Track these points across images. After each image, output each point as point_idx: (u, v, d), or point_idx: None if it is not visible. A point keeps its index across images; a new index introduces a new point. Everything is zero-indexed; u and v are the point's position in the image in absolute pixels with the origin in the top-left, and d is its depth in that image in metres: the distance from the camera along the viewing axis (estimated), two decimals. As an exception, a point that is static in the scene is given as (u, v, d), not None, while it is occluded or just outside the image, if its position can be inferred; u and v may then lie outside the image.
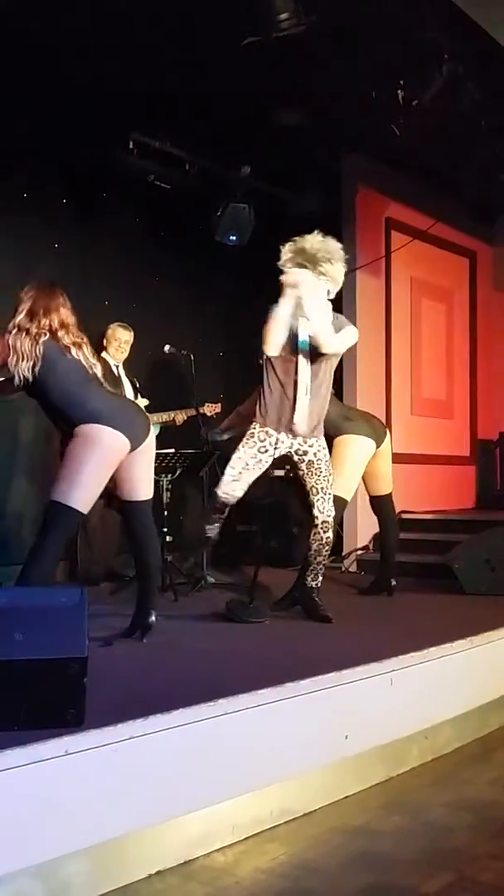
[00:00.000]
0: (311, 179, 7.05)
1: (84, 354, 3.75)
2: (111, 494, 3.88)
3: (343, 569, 6.96)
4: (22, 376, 3.60)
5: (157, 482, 5.48)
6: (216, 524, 4.56)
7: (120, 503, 3.90)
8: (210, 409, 6.14)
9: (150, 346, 6.44)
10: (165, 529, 5.54)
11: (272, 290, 4.30)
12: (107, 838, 2.43)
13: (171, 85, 5.64)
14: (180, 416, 6.03)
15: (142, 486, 3.85)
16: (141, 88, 5.62)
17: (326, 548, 4.52)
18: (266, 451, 4.34)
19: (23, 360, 3.59)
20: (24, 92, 5.47)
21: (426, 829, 2.99)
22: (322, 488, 4.42)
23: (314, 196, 7.00)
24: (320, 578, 4.57)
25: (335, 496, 4.83)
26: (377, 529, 5.93)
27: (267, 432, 4.34)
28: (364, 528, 6.98)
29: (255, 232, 6.80)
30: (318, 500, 4.43)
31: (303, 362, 4.29)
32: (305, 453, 4.39)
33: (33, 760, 2.24)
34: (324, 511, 4.44)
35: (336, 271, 4.28)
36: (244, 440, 4.40)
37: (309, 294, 4.19)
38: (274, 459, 4.41)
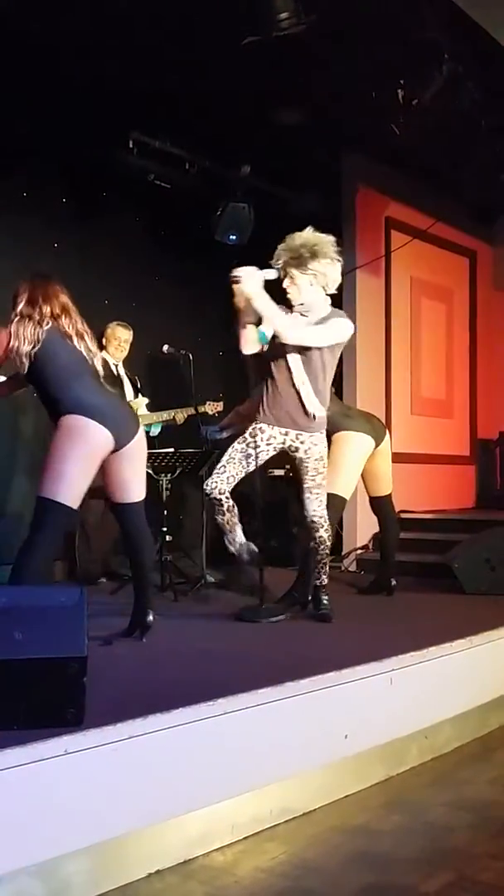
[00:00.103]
0: (310, 179, 7.05)
1: (86, 345, 3.76)
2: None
3: (343, 568, 6.96)
4: (22, 362, 3.62)
5: (156, 481, 5.52)
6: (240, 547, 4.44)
7: (112, 505, 3.90)
8: (212, 408, 6.14)
9: (149, 346, 6.44)
10: (165, 529, 5.54)
11: (272, 290, 4.31)
12: (106, 838, 2.43)
13: (171, 85, 5.64)
14: (181, 416, 6.03)
15: (133, 487, 3.83)
16: (141, 88, 5.62)
17: (321, 546, 4.48)
18: (256, 446, 4.29)
19: (24, 344, 3.61)
20: (24, 92, 5.47)
21: (426, 828, 2.99)
22: (309, 487, 4.39)
23: (314, 195, 6.99)
24: (323, 577, 4.55)
25: (333, 494, 4.83)
26: (377, 529, 5.93)
27: (260, 429, 4.32)
28: (364, 527, 6.98)
29: (255, 231, 6.80)
30: (306, 498, 4.40)
31: (291, 356, 4.27)
32: (297, 450, 4.36)
33: (33, 760, 2.24)
34: (309, 510, 4.41)
35: (321, 266, 4.23)
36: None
37: (254, 290, 4.12)
38: (270, 457, 4.40)
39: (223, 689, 2.84)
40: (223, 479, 4.30)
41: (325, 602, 4.53)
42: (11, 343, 3.62)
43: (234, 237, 6.86)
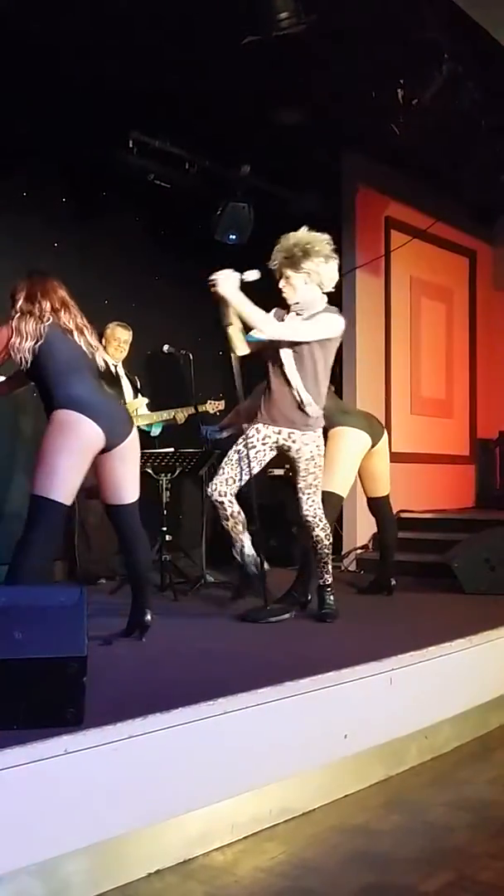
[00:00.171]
0: (310, 179, 7.06)
1: (86, 340, 3.77)
2: None
3: (343, 568, 6.96)
4: (23, 358, 3.62)
5: (156, 481, 5.52)
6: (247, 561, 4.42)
7: (105, 506, 3.89)
8: (213, 406, 6.14)
9: (149, 346, 6.44)
10: (165, 529, 5.54)
11: (271, 290, 4.31)
12: (106, 837, 2.43)
13: (171, 85, 5.64)
14: (181, 415, 6.03)
15: (126, 488, 3.82)
16: (141, 88, 5.62)
17: (320, 545, 4.45)
18: (252, 446, 4.31)
19: (26, 339, 3.62)
20: (24, 92, 5.47)
21: (425, 828, 3.00)
22: (301, 487, 4.38)
23: (314, 195, 7.00)
24: (326, 576, 4.51)
25: (330, 492, 4.84)
26: (377, 529, 5.93)
27: (256, 429, 4.34)
28: (363, 527, 6.99)
29: (255, 231, 6.80)
30: (300, 497, 4.40)
31: (284, 353, 4.28)
32: (289, 449, 4.36)
33: (33, 759, 2.25)
34: (303, 509, 4.40)
35: (314, 265, 4.24)
36: None
37: (230, 292, 4.16)
38: (271, 457, 4.41)
39: (223, 689, 2.85)
40: (222, 481, 4.30)
41: (329, 601, 4.50)
42: (13, 339, 3.62)
43: (233, 237, 6.86)
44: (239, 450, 4.32)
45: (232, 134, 6.29)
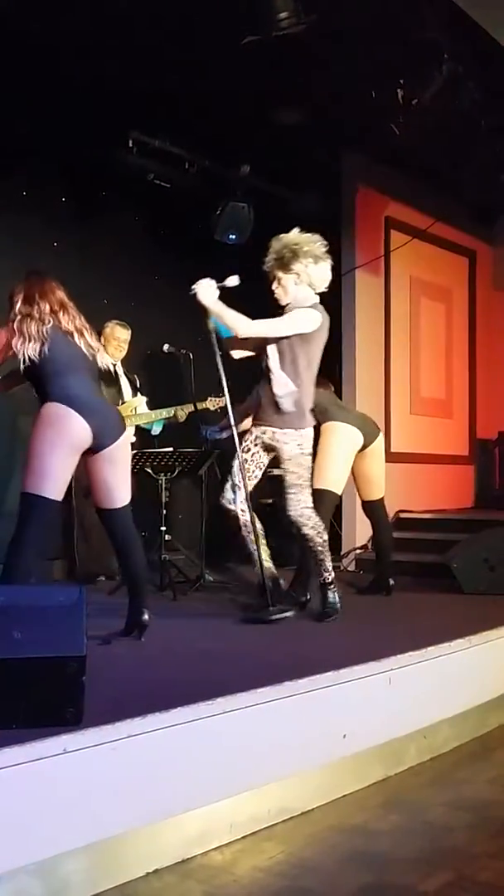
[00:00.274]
0: (310, 178, 7.06)
1: (86, 341, 3.77)
2: None
3: (342, 568, 6.96)
4: (28, 357, 3.62)
5: (155, 481, 5.52)
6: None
7: (97, 510, 3.89)
8: (213, 403, 6.13)
9: (149, 345, 6.44)
10: (164, 528, 5.54)
11: (270, 290, 4.32)
12: (105, 836, 2.43)
13: (171, 85, 5.64)
14: (182, 412, 6.02)
15: (117, 492, 3.80)
16: (141, 88, 5.62)
17: (312, 543, 4.43)
18: (248, 449, 4.37)
19: (30, 341, 3.61)
20: (24, 92, 5.47)
21: (424, 828, 3.00)
22: (285, 486, 4.38)
23: (314, 195, 7.00)
24: (325, 574, 4.48)
25: (323, 490, 4.86)
26: (372, 532, 5.92)
27: (250, 431, 4.41)
28: (363, 526, 6.96)
29: (255, 231, 6.80)
30: (284, 496, 4.40)
31: (269, 349, 4.34)
32: (274, 449, 4.39)
33: (32, 759, 2.25)
34: (288, 508, 4.39)
35: (303, 266, 4.31)
36: None
37: (208, 300, 4.27)
38: (265, 458, 4.43)
39: (222, 689, 2.85)
40: (227, 489, 4.36)
41: (331, 599, 4.47)
42: (16, 341, 3.62)
43: (233, 237, 6.86)
44: (238, 454, 4.36)
45: (232, 134, 6.29)
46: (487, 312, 9.15)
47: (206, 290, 4.28)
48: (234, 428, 4.37)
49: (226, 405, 4.49)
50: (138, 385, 6.18)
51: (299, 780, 3.08)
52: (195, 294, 4.28)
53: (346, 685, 3.23)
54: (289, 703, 2.99)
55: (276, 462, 4.52)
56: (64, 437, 3.58)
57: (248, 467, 4.36)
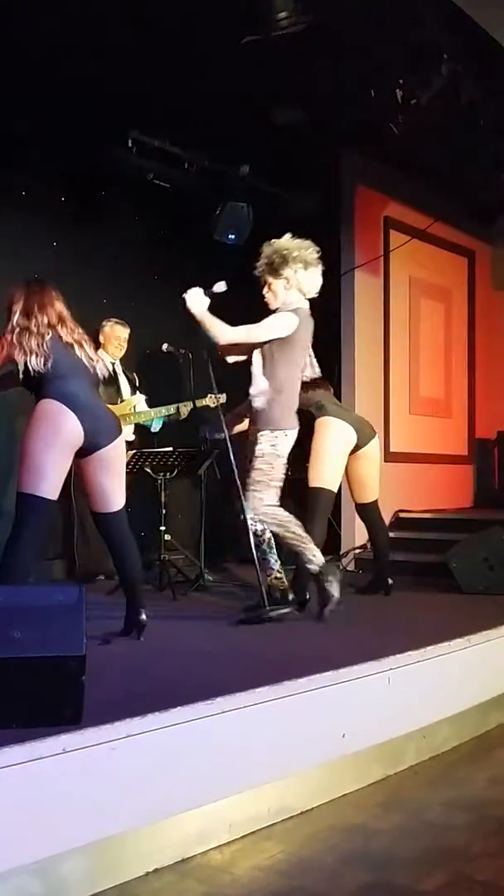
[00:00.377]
0: (309, 178, 7.05)
1: (86, 353, 3.76)
2: None
3: (341, 567, 6.95)
4: (32, 369, 3.61)
5: (154, 480, 5.52)
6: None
7: (92, 514, 3.89)
8: (213, 401, 6.12)
9: (149, 345, 6.44)
10: (163, 528, 5.54)
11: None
12: (104, 836, 2.43)
13: (171, 85, 5.63)
14: (184, 409, 6.02)
15: (112, 496, 3.80)
16: (141, 88, 5.61)
17: (283, 540, 4.42)
18: (252, 452, 4.42)
19: (32, 355, 3.60)
20: (24, 92, 5.46)
21: (424, 827, 3.00)
22: (249, 484, 4.38)
23: (313, 195, 7.00)
24: (310, 566, 4.42)
25: (319, 488, 4.89)
26: (367, 534, 5.91)
27: (250, 434, 4.49)
28: (362, 526, 6.95)
29: (254, 231, 6.80)
30: (245, 495, 4.40)
31: (254, 354, 4.43)
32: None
33: (31, 758, 2.25)
34: (247, 507, 4.38)
35: (291, 272, 4.38)
36: None
37: (196, 308, 4.37)
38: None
39: (221, 689, 2.85)
40: (238, 496, 4.39)
41: (327, 589, 4.40)
42: (17, 353, 3.61)
43: (232, 236, 6.86)
44: (234, 467, 4.45)
45: (231, 134, 6.29)
46: (487, 312, 9.15)
47: (195, 299, 4.38)
48: (229, 446, 4.49)
49: (220, 408, 4.56)
50: (137, 384, 6.18)
51: (298, 780, 3.09)
52: (184, 303, 4.38)
53: (346, 685, 3.24)
54: (288, 702, 2.99)
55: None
56: (58, 434, 3.58)
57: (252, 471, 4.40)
